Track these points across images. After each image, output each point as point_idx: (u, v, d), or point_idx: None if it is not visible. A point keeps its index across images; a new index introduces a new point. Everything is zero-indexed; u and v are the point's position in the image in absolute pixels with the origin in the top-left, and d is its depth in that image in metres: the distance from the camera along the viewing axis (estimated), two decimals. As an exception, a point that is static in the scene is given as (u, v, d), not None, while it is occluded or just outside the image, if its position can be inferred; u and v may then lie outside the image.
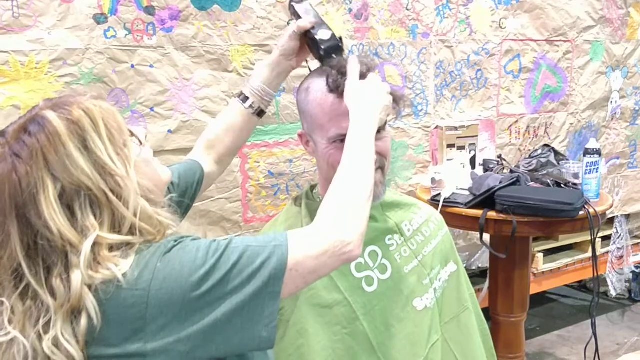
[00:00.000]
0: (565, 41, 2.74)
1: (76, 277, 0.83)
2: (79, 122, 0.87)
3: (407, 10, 2.29)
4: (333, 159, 1.18)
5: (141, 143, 0.97)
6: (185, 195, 1.28)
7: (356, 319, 1.22)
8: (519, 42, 2.62)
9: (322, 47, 1.22)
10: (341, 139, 1.16)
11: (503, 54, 2.59)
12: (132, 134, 0.95)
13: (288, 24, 1.38)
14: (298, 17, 1.28)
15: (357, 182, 1.01)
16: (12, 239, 0.84)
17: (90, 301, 0.83)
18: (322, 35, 1.24)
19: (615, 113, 3.02)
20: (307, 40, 1.29)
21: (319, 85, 1.20)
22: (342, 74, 1.16)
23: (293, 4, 1.31)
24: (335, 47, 1.23)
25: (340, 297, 1.22)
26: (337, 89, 1.16)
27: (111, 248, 0.86)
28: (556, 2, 2.66)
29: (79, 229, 0.85)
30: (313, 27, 1.25)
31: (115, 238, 0.86)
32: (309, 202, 1.30)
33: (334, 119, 1.17)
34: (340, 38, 1.26)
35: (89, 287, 0.83)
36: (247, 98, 1.35)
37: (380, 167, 1.21)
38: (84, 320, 0.83)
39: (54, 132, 0.85)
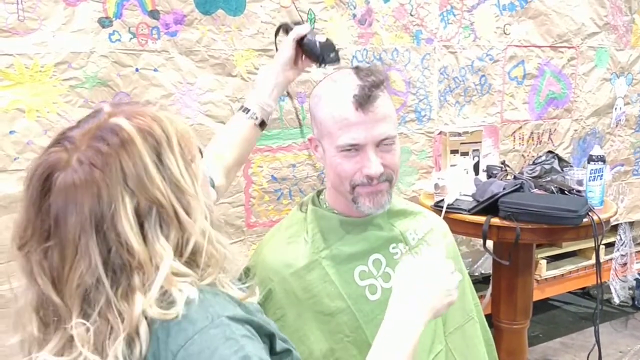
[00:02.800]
0: (569, 47, 2.74)
1: (139, 300, 0.77)
2: (154, 134, 0.81)
3: (411, 15, 2.29)
4: (340, 168, 1.18)
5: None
6: None
7: (359, 327, 1.21)
8: (523, 48, 2.62)
9: (319, 45, 1.32)
10: (348, 149, 1.16)
11: (507, 60, 2.58)
12: (200, 150, 0.89)
13: (276, 41, 1.43)
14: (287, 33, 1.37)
15: None
16: (92, 255, 0.78)
17: (144, 329, 0.76)
18: (318, 38, 1.34)
19: (620, 120, 3.01)
20: (303, 49, 1.36)
21: (334, 93, 1.19)
22: (372, 87, 1.14)
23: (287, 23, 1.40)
24: (331, 46, 1.34)
25: (343, 305, 1.22)
26: (364, 103, 1.14)
27: (175, 274, 0.80)
28: (561, 9, 2.66)
29: (149, 249, 0.79)
30: (309, 34, 1.35)
31: (181, 268, 0.80)
32: (315, 208, 1.29)
33: (344, 128, 1.16)
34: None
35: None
36: (248, 110, 1.36)
37: (388, 180, 1.21)
38: (137, 349, 0.76)
39: (130, 142, 0.79)
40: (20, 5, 1.59)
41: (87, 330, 0.77)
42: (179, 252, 0.81)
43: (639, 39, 2.97)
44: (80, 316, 0.78)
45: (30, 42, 1.62)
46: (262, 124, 1.38)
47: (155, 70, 1.81)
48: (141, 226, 0.79)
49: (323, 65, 1.36)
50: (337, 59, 1.38)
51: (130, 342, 0.76)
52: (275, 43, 1.44)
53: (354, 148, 1.16)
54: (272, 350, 0.88)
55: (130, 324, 0.76)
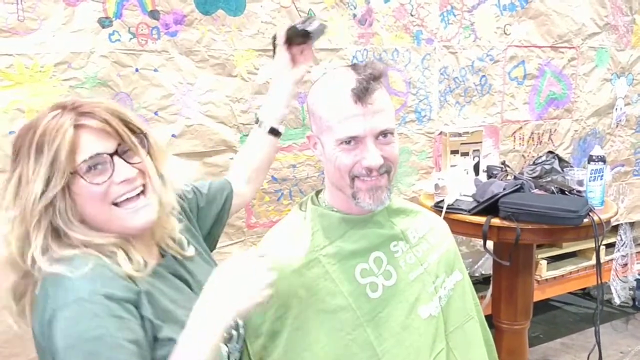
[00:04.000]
0: (570, 48, 2.74)
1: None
2: None
3: (412, 16, 2.29)
4: (339, 162, 1.18)
5: None
6: (212, 205, 1.36)
7: (360, 325, 1.21)
8: (524, 49, 2.61)
9: (299, 26, 1.42)
10: (348, 141, 1.16)
11: (507, 60, 2.58)
12: None
13: (273, 46, 1.46)
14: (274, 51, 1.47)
15: None
16: None
17: (37, 269, 1.02)
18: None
19: (620, 120, 3.01)
20: (291, 42, 1.44)
21: (332, 88, 1.20)
22: (370, 80, 1.15)
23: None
24: (312, 19, 1.44)
25: (344, 303, 1.21)
26: (362, 96, 1.15)
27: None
28: (561, 9, 2.66)
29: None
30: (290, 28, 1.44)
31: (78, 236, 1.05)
32: (315, 207, 1.30)
33: (343, 121, 1.16)
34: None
35: None
36: (261, 122, 1.46)
37: (387, 172, 1.21)
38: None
39: None
40: (20, 5, 1.59)
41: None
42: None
43: (639, 39, 2.97)
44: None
45: (30, 42, 1.62)
46: (275, 132, 1.47)
47: (155, 70, 1.80)
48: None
49: (309, 34, 1.42)
50: (320, 26, 1.43)
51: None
52: (274, 54, 1.50)
53: (354, 140, 1.17)
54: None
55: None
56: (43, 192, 0.97)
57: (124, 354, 0.92)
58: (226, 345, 1.14)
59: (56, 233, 1.00)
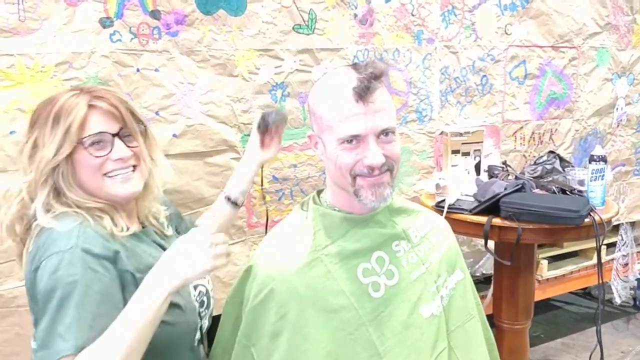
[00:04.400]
0: (571, 47, 2.74)
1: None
2: None
3: (413, 15, 2.29)
4: (341, 161, 1.18)
5: None
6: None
7: (362, 324, 1.21)
8: (525, 48, 2.61)
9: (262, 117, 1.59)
10: (349, 140, 1.16)
11: (508, 60, 2.58)
12: None
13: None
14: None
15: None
16: None
17: (35, 223, 1.18)
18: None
19: (621, 120, 3.01)
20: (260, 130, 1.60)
21: (333, 87, 1.21)
22: (371, 79, 1.16)
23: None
24: (272, 110, 1.62)
25: (346, 302, 1.21)
26: (364, 95, 1.16)
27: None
28: (562, 9, 2.66)
29: None
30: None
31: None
32: (317, 206, 1.30)
33: (344, 120, 1.17)
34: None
35: None
36: (229, 198, 1.59)
37: (389, 170, 1.21)
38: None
39: None
40: (21, 5, 1.59)
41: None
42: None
43: (640, 38, 2.97)
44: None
45: (31, 42, 1.62)
46: (234, 203, 1.59)
47: (156, 70, 1.80)
48: None
49: (268, 127, 1.58)
50: (277, 116, 1.58)
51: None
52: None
53: (355, 139, 1.17)
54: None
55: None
56: (53, 156, 1.15)
57: (92, 302, 1.06)
58: (199, 311, 1.29)
59: (56, 192, 1.17)
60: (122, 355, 1.03)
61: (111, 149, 1.18)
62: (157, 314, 1.07)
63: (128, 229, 1.21)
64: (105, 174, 1.18)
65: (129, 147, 1.20)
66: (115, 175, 1.19)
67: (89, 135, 1.16)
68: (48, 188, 1.16)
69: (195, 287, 1.32)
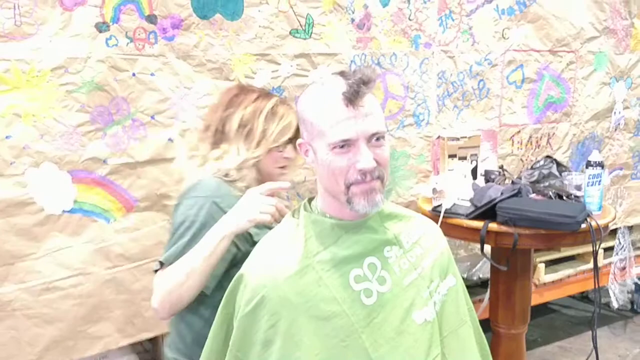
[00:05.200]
0: (568, 52, 2.74)
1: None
2: None
3: (410, 20, 2.29)
4: (333, 166, 1.18)
5: None
6: None
7: (355, 331, 1.21)
8: (522, 53, 2.61)
9: None
10: (341, 145, 1.17)
11: (506, 64, 2.58)
12: None
13: None
14: None
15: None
16: None
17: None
18: None
19: (619, 124, 3.01)
20: None
21: (323, 93, 1.21)
22: (360, 84, 1.17)
23: None
24: None
25: (338, 309, 1.21)
26: (354, 99, 1.17)
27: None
28: (560, 13, 2.66)
29: None
30: None
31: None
32: (308, 213, 1.29)
33: (335, 125, 1.17)
34: None
35: None
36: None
37: (380, 178, 1.21)
38: None
39: None
40: (17, 10, 1.59)
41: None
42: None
43: (638, 43, 2.97)
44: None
45: (27, 47, 1.62)
46: None
47: (152, 74, 1.80)
48: None
49: None
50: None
51: None
52: None
53: (347, 144, 1.17)
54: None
55: None
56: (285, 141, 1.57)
57: (201, 240, 1.40)
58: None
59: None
60: (184, 273, 1.38)
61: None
62: (213, 251, 1.39)
63: None
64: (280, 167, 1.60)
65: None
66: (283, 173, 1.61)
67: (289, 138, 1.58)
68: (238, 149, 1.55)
69: None
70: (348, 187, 1.19)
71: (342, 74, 1.22)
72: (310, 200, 1.35)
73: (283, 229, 1.32)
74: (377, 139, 1.19)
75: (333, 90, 1.18)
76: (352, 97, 1.16)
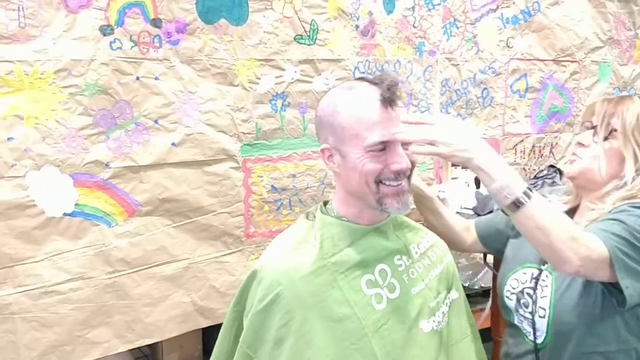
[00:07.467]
0: (572, 61, 2.73)
1: None
2: None
3: (414, 27, 2.29)
4: (367, 168, 1.21)
5: None
6: None
7: (365, 335, 1.21)
8: (526, 62, 2.61)
9: None
10: (378, 147, 1.20)
11: (510, 73, 2.58)
12: None
13: None
14: None
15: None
16: None
17: None
18: None
19: (622, 134, 3.00)
20: None
21: (355, 97, 1.24)
22: (394, 87, 1.21)
23: None
24: None
25: (350, 312, 1.21)
26: (392, 102, 1.21)
27: None
28: (564, 23, 2.66)
29: None
30: None
31: None
32: (324, 216, 1.31)
33: (371, 127, 1.19)
34: None
35: None
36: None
37: (408, 177, 1.25)
38: None
39: None
40: (21, 12, 1.59)
41: None
42: None
43: (641, 53, 2.97)
44: None
45: (30, 49, 1.61)
46: None
47: (156, 78, 1.80)
48: None
49: None
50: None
51: None
52: None
53: (384, 146, 1.20)
54: None
55: None
56: None
57: None
58: None
59: None
60: None
61: None
62: None
63: None
64: None
65: None
66: None
67: None
68: None
69: None
70: (377, 185, 1.22)
71: (364, 79, 1.26)
72: (325, 203, 1.36)
73: (298, 229, 1.33)
74: (402, 143, 1.23)
75: (366, 94, 1.22)
76: (390, 100, 1.20)
